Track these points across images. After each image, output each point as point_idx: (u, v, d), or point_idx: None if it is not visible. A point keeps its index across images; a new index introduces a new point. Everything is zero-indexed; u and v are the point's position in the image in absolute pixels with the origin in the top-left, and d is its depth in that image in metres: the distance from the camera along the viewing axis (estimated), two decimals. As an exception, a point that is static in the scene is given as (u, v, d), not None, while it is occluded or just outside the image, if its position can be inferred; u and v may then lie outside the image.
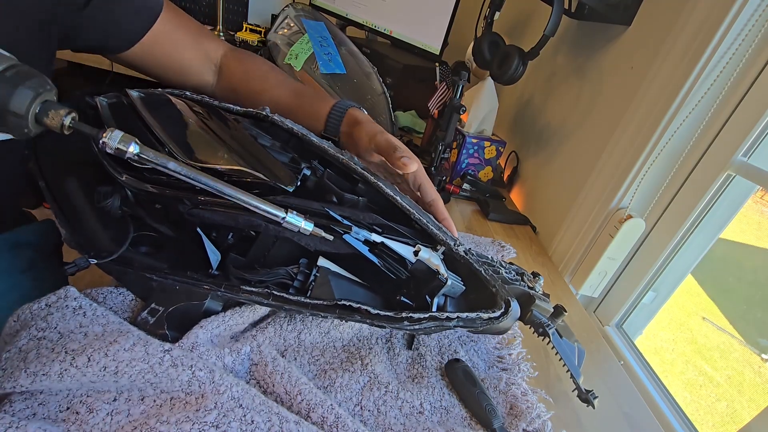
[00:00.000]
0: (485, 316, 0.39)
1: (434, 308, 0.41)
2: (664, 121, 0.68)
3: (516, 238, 0.86)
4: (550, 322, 0.45)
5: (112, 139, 0.29)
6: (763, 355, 2.49)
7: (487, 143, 0.99)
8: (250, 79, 0.58)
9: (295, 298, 0.38)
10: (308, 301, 0.38)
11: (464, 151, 0.98)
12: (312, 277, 0.40)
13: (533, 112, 1.13)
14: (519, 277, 0.48)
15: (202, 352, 0.36)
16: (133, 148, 0.30)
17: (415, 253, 0.41)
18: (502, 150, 1.01)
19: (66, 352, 0.30)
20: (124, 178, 0.38)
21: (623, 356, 0.76)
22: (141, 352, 0.31)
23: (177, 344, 0.36)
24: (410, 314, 0.38)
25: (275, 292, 0.38)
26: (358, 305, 0.38)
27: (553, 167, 0.97)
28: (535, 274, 0.49)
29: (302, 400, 0.35)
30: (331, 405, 0.35)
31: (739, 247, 3.35)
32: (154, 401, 0.31)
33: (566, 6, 0.89)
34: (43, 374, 0.29)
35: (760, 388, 2.29)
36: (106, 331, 0.33)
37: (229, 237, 0.43)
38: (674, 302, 2.67)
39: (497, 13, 0.96)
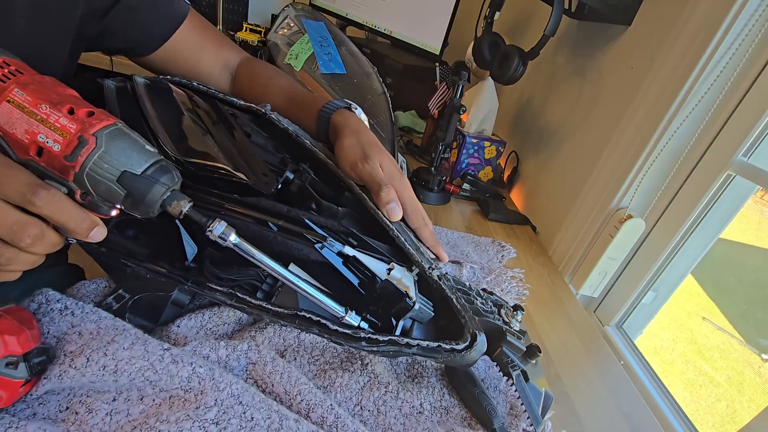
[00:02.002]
0: (447, 347, 0.37)
1: (398, 331, 0.39)
2: (664, 120, 0.68)
3: (516, 238, 0.86)
4: (517, 362, 0.42)
5: (216, 229, 0.33)
6: (764, 355, 2.49)
7: (487, 143, 0.99)
8: (253, 85, 0.58)
9: (258, 302, 0.37)
10: (270, 307, 0.37)
11: (464, 151, 0.98)
12: (279, 283, 0.40)
13: (533, 112, 1.13)
14: (496, 309, 0.46)
15: (195, 345, 0.36)
16: (233, 238, 0.34)
17: (388, 271, 0.40)
18: (502, 150, 1.01)
19: (65, 355, 0.30)
20: None
21: (623, 356, 0.76)
22: (140, 350, 0.31)
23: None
24: (369, 335, 0.37)
25: (238, 294, 0.38)
26: (318, 318, 0.37)
27: (553, 167, 0.97)
28: (516, 308, 0.47)
29: (302, 400, 0.35)
30: (331, 405, 0.35)
31: (740, 247, 3.35)
32: (153, 400, 0.31)
33: (566, 6, 0.89)
34: (44, 378, 0.29)
35: (760, 388, 2.29)
36: (100, 328, 0.33)
37: None
38: (674, 302, 2.67)
39: (497, 13, 0.96)
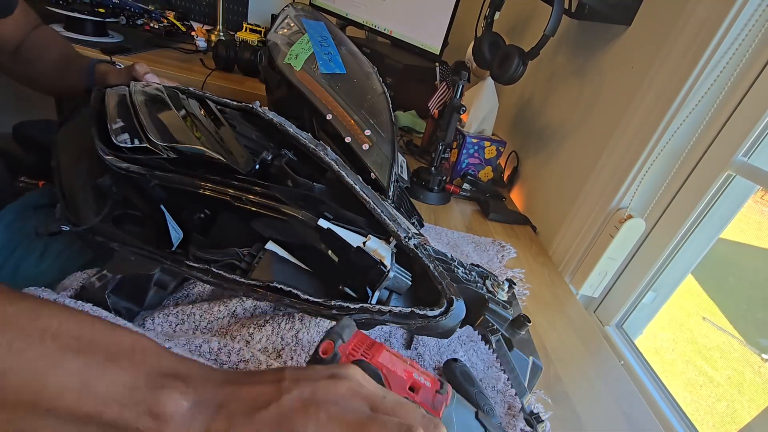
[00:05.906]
0: (420, 312, 0.37)
1: (374, 301, 0.39)
2: (664, 120, 0.68)
3: (516, 238, 0.86)
4: (501, 330, 0.41)
5: None
6: (764, 355, 2.49)
7: (487, 143, 0.98)
8: (37, 64, 0.65)
9: (232, 276, 0.38)
10: (243, 280, 0.38)
11: (464, 151, 0.98)
12: (256, 260, 0.41)
13: (533, 112, 1.13)
14: (481, 280, 0.45)
15: (189, 337, 0.36)
16: None
17: (364, 243, 0.40)
18: (502, 150, 1.01)
19: None
20: (108, 157, 0.41)
21: (623, 356, 0.76)
22: None
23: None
24: (340, 303, 0.37)
25: (213, 269, 0.38)
26: (289, 289, 0.37)
27: (553, 167, 0.97)
28: (509, 282, 0.46)
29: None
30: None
31: (740, 247, 3.34)
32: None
33: (566, 6, 0.89)
34: None
35: (761, 388, 2.29)
36: None
37: (196, 217, 0.44)
38: (674, 302, 2.66)
39: (497, 13, 0.96)
